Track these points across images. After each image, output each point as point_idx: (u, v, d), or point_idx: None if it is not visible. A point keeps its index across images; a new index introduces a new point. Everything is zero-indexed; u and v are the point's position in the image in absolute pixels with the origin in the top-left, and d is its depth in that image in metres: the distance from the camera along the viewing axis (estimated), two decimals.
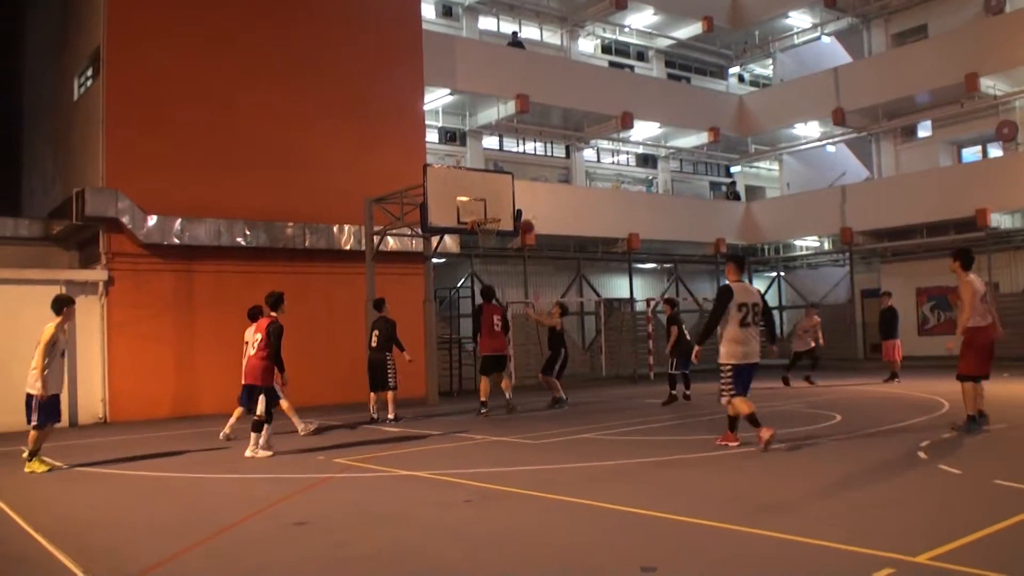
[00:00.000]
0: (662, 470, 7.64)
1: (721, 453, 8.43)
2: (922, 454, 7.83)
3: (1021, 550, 4.63)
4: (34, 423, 8.33)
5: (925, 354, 21.92)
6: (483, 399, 13.17)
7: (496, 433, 10.87)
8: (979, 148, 25.10)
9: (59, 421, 8.84)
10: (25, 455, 8.51)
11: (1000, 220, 21.92)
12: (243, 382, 9.92)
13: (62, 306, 8.62)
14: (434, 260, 17.34)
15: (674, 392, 14.08)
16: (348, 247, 16.98)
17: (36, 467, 8.43)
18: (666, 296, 23.28)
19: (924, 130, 25.80)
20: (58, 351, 8.42)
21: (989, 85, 22.62)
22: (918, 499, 6.06)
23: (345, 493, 7.13)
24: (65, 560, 4.99)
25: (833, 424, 10.54)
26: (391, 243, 17.04)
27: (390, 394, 12.26)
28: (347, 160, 17.20)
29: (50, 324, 8.47)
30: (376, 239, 15.71)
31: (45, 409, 8.33)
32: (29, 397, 8.31)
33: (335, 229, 16.96)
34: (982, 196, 21.47)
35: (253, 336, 9.57)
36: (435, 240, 16.11)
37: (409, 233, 16.03)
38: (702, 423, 11.32)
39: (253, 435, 9.06)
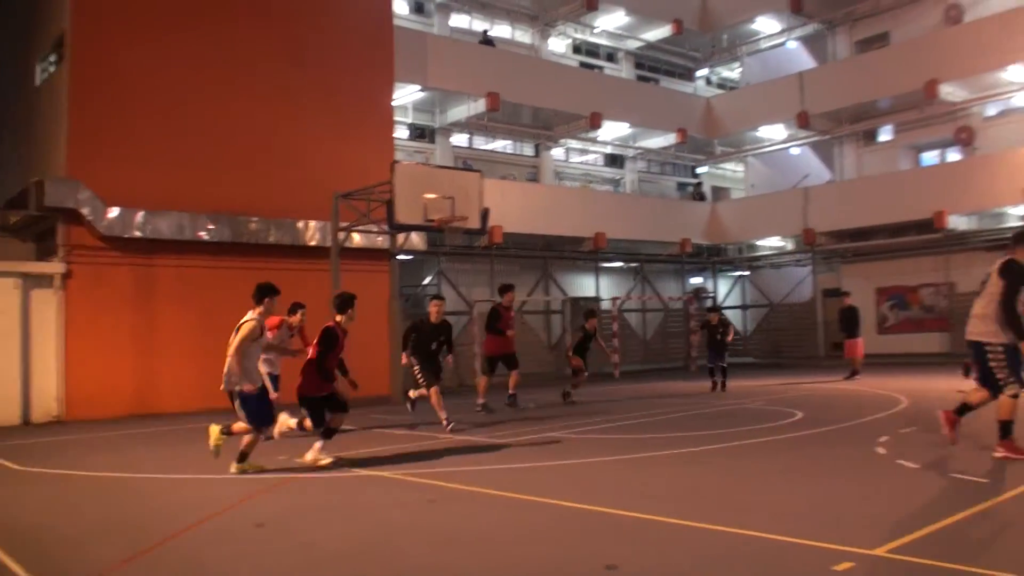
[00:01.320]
0: (627, 468, 7.59)
1: (687, 451, 8.44)
2: (881, 449, 7.91)
3: (976, 540, 4.73)
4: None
5: (885, 352, 22.23)
6: (482, 400, 12.98)
7: (467, 431, 10.71)
8: (938, 152, 25.45)
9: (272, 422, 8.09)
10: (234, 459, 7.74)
11: (957, 222, 22.27)
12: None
13: (263, 296, 7.75)
14: (401, 257, 17.22)
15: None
16: (314, 243, 16.77)
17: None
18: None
19: (885, 134, 26.15)
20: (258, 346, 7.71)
21: (948, 92, 22.95)
22: (877, 493, 6.11)
23: (309, 493, 6.97)
24: (17, 568, 4.75)
25: (794, 421, 10.59)
26: (357, 240, 16.87)
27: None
28: (315, 155, 16.99)
29: (250, 316, 7.64)
30: (342, 235, 15.54)
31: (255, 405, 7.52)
32: (239, 393, 7.47)
33: (300, 225, 16.77)
34: (940, 199, 21.80)
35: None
36: (402, 237, 15.99)
37: (376, 230, 15.89)
38: (671, 421, 11.32)
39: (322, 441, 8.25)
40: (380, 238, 16.74)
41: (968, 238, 22.58)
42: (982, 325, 7.13)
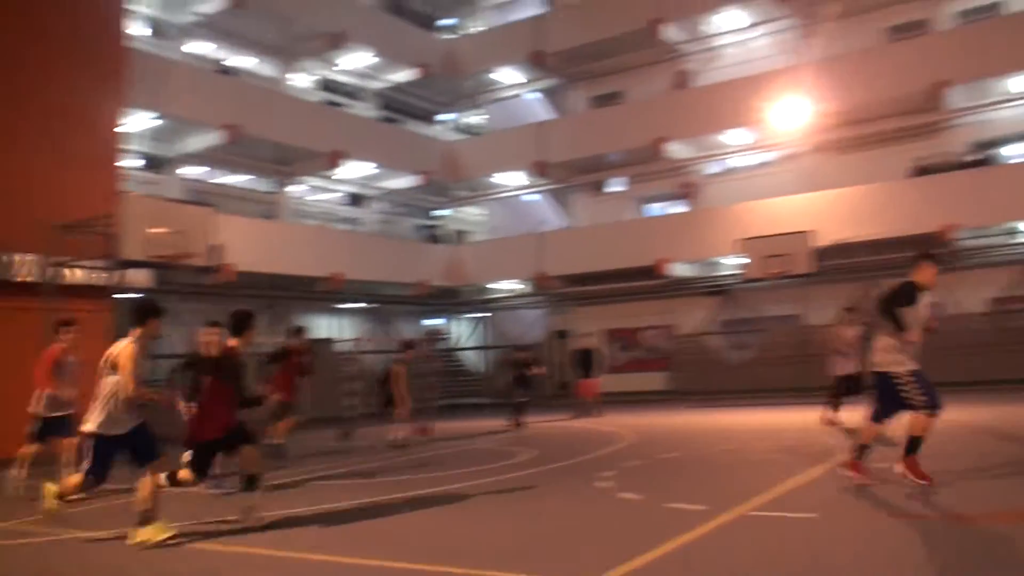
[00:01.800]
0: (360, 514, 7.94)
1: (421, 493, 8.95)
2: (606, 483, 8.86)
3: (683, 567, 5.46)
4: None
5: (613, 390, 24.68)
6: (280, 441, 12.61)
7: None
8: (663, 204, 28.90)
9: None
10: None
11: (678, 269, 25.42)
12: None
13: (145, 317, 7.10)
14: (126, 295, 17.16)
15: None
16: (29, 279, 16.16)
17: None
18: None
19: (616, 185, 29.33)
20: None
21: (674, 149, 26.63)
22: (599, 526, 6.90)
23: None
24: None
25: (527, 459, 11.64)
26: (76, 275, 16.58)
27: None
28: (30, 183, 16.46)
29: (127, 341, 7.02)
30: (53, 271, 15.13)
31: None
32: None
33: (6, 258, 16.13)
34: (663, 247, 24.90)
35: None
36: (127, 274, 15.97)
37: (97, 265, 15.79)
38: (407, 463, 12.03)
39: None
40: (102, 274, 16.53)
41: (688, 284, 25.80)
42: (887, 355, 7.51)
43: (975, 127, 23.29)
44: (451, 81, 31.03)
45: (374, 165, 27.67)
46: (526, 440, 14.46)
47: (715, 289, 25.82)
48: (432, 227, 31.82)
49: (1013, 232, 21.96)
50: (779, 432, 13.51)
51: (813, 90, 22.82)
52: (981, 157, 22.45)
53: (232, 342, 7.65)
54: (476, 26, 33.04)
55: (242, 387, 7.54)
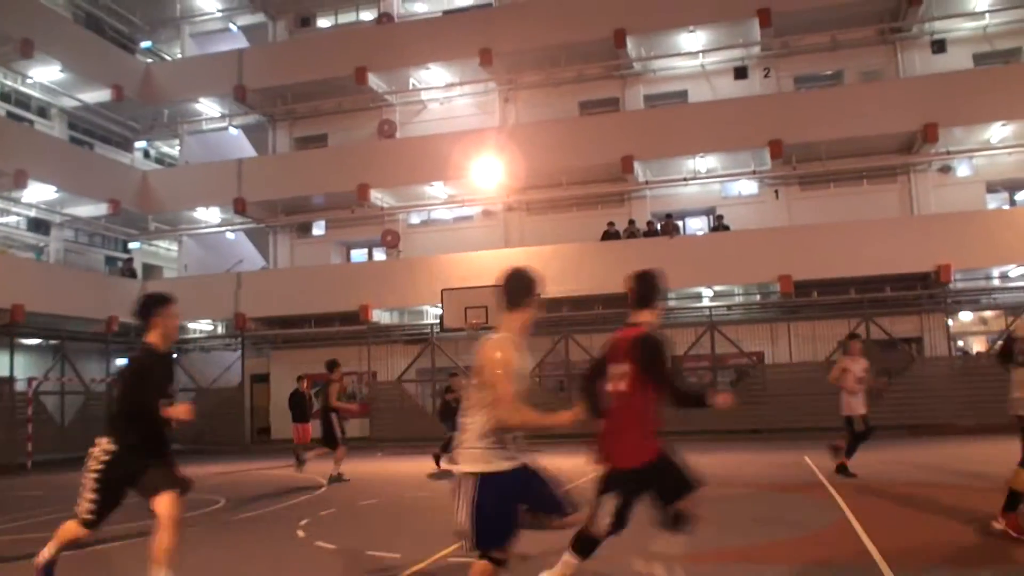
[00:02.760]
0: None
1: (92, 550, 8.84)
2: (301, 532, 9.63)
3: None
4: None
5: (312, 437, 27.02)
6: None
7: None
8: (366, 251, 32.06)
9: None
10: None
11: (380, 316, 28.58)
12: None
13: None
14: None
15: None
16: None
17: None
18: None
19: (319, 228, 32.50)
20: None
21: (378, 197, 30.25)
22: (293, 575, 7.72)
23: None
24: None
25: (217, 508, 12.31)
26: None
27: None
28: None
29: None
30: None
31: None
32: None
33: None
34: (366, 294, 28.08)
35: None
36: None
37: None
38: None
39: None
40: None
41: (389, 331, 29.06)
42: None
43: (660, 199, 29.24)
44: (147, 107, 32.93)
45: (55, 189, 28.82)
46: (221, 488, 15.21)
47: (415, 337, 29.17)
48: (124, 260, 32.80)
49: (697, 296, 27.55)
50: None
51: (510, 152, 27.21)
52: (663, 226, 27.83)
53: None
54: (176, 53, 35.09)
55: None
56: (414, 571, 7.31)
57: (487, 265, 26.91)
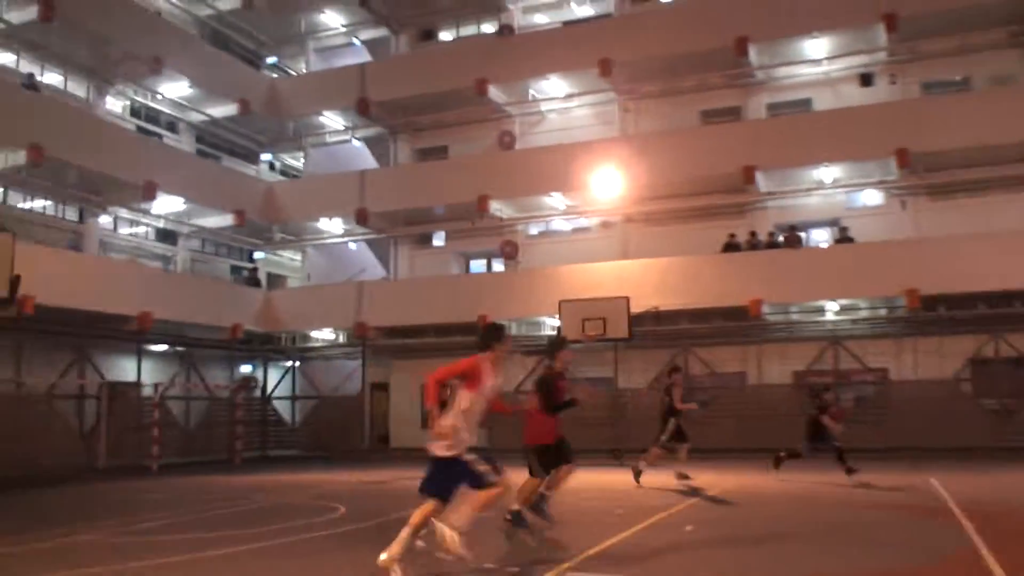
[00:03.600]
0: (172, 572, 8.60)
1: (215, 553, 9.46)
2: (421, 543, 9.15)
3: None
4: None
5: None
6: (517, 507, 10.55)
7: None
8: (485, 261, 32.78)
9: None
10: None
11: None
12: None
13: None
14: None
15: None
16: None
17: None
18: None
19: (439, 239, 33.27)
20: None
21: (497, 208, 30.87)
22: None
23: None
24: None
25: (336, 517, 12.56)
26: None
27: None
28: None
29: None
30: None
31: None
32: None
33: None
34: (484, 304, 28.65)
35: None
36: None
37: None
38: (215, 519, 12.78)
39: None
40: None
41: (516, 340, 29.59)
42: None
43: (782, 211, 29.11)
44: (272, 120, 34.43)
45: (183, 201, 30.38)
46: (342, 495, 15.75)
47: (533, 349, 29.60)
48: (249, 269, 34.23)
49: (818, 311, 27.35)
50: (597, 493, 15.24)
51: (630, 162, 27.50)
52: (787, 238, 27.78)
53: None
54: (301, 68, 36.44)
55: None
56: None
57: (605, 276, 27.35)
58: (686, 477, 16.35)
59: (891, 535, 10.33)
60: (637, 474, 16.34)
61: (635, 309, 25.49)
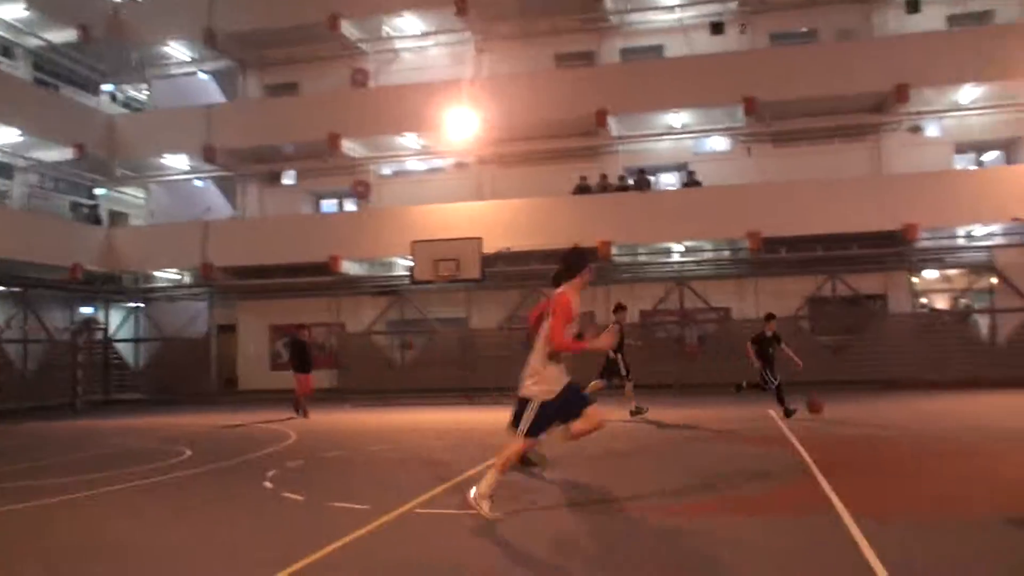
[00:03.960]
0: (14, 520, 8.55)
1: (71, 497, 9.58)
2: (268, 484, 10.00)
3: (352, 564, 6.45)
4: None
5: (278, 388, 27.52)
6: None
7: None
8: (336, 201, 32.54)
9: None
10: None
11: (349, 267, 29.05)
12: None
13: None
14: None
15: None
16: None
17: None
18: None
19: (289, 178, 32.84)
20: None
21: (349, 147, 30.68)
22: (264, 528, 7.81)
23: None
24: None
25: (183, 459, 12.72)
26: None
27: None
28: None
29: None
30: None
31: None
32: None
33: None
34: (336, 245, 28.57)
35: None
36: None
37: None
38: (52, 466, 12.89)
39: None
40: None
41: (359, 283, 29.60)
42: None
43: (633, 154, 29.84)
44: (115, 49, 32.95)
45: (19, 132, 28.88)
46: (189, 439, 15.78)
47: (385, 289, 29.74)
48: (89, 206, 33.05)
49: (667, 251, 28.27)
50: (444, 431, 15.85)
51: (484, 104, 27.60)
52: (636, 181, 28.44)
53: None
54: None
55: None
56: (383, 522, 7.63)
57: (459, 217, 27.58)
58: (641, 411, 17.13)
59: (738, 463, 10.82)
60: (636, 412, 17.05)
61: (487, 250, 25.87)
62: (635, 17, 30.02)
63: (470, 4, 28.95)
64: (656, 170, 29.99)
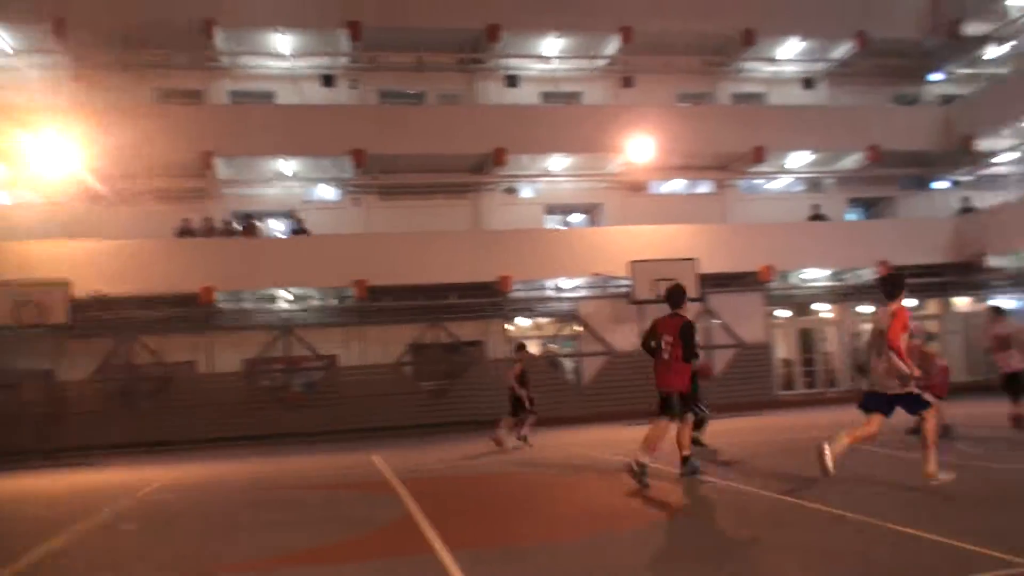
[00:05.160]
0: None
1: None
2: None
3: None
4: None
5: None
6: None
7: None
8: None
9: None
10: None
11: None
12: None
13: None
14: None
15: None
16: None
17: None
18: None
19: None
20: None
21: None
22: None
23: None
24: None
25: None
26: None
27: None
28: None
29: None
30: None
31: None
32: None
33: None
34: None
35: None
36: None
37: None
38: None
39: None
40: None
41: None
42: None
43: (242, 198, 29.61)
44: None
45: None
46: None
47: None
48: None
49: (271, 299, 28.04)
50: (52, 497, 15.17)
51: (83, 137, 25.49)
52: (244, 226, 28.19)
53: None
54: None
55: None
56: None
57: (42, 257, 25.12)
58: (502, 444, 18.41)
59: (335, 511, 11.14)
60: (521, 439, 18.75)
61: (79, 294, 24.05)
62: (247, 60, 29.96)
63: (69, 26, 27.17)
64: (265, 216, 29.95)
